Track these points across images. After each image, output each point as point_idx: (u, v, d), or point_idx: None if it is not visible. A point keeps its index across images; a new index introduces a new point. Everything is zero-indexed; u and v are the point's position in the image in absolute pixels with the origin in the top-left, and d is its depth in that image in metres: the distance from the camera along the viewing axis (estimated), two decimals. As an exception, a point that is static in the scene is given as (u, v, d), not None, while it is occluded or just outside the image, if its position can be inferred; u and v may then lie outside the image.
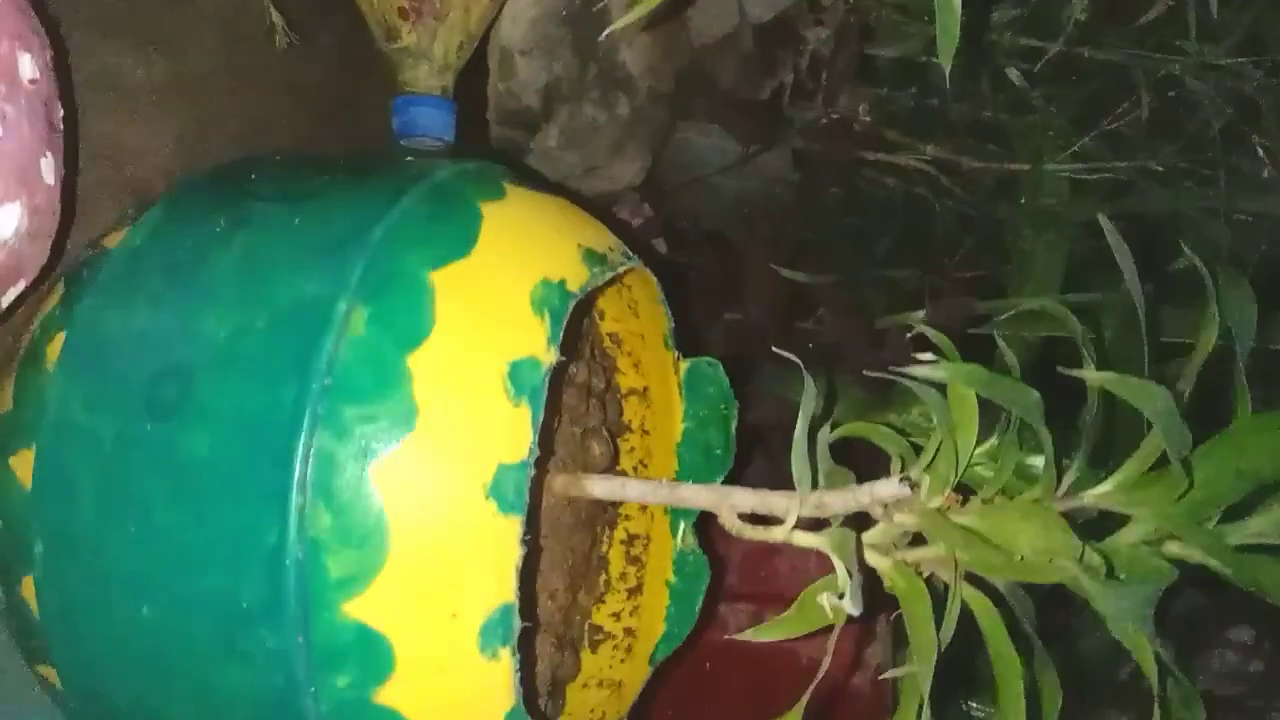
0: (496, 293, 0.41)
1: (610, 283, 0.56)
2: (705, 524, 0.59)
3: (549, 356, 0.40)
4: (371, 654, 0.38)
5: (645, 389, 0.61)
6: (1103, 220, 0.46)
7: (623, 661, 0.59)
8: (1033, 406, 0.39)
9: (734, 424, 0.58)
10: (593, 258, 0.45)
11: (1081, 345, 0.46)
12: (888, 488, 0.45)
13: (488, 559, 0.39)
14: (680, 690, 0.78)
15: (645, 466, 0.62)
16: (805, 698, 0.44)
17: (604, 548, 0.62)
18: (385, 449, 0.38)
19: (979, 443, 0.45)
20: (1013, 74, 0.72)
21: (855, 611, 0.38)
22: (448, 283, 0.40)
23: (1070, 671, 0.42)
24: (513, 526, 0.39)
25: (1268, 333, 0.45)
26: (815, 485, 0.46)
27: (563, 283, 0.42)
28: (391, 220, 0.41)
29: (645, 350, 0.60)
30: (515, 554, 0.39)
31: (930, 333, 0.47)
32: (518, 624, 0.39)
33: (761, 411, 0.69)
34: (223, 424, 0.38)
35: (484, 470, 0.38)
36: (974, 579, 0.45)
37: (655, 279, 0.53)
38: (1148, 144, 0.70)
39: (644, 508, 0.62)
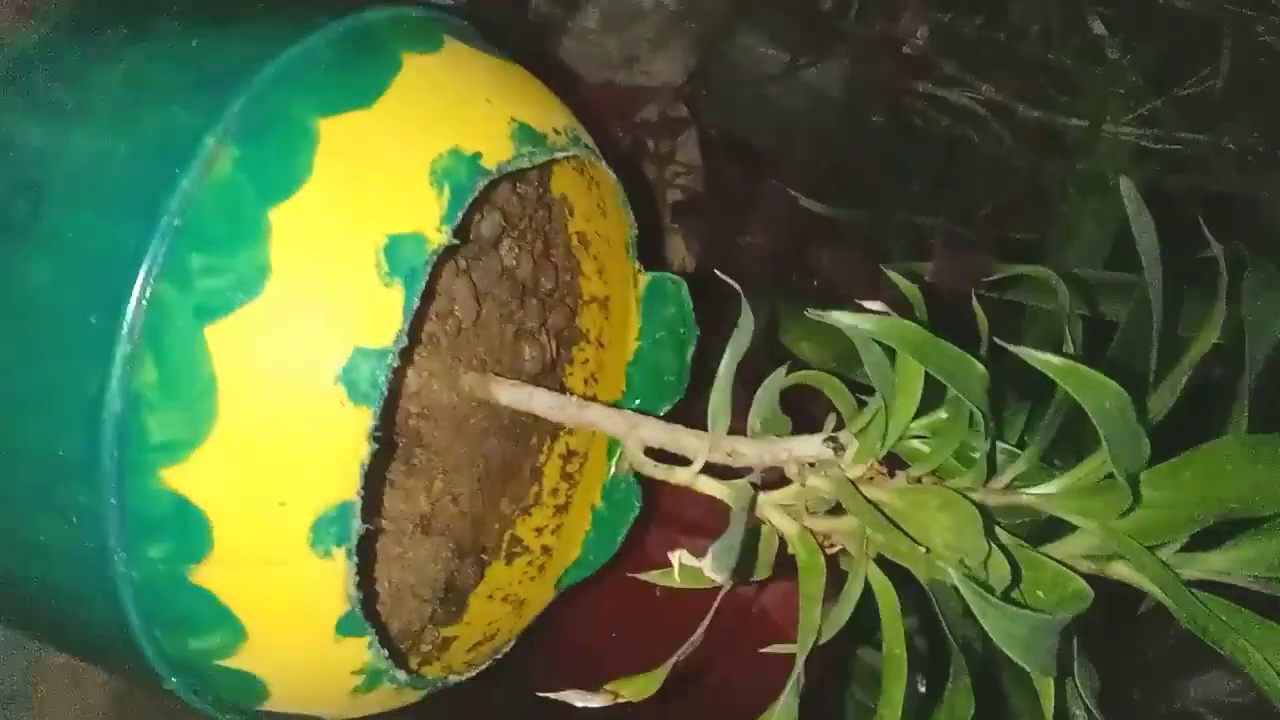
0: (391, 153, 0.36)
1: (586, 180, 0.51)
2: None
3: (438, 236, 0.36)
4: (188, 529, 0.34)
5: (607, 298, 0.56)
6: (1124, 184, 0.39)
7: (532, 580, 0.56)
8: (974, 381, 0.34)
9: (690, 350, 0.53)
10: (527, 135, 0.40)
11: (1066, 323, 0.40)
12: (808, 446, 0.40)
13: (329, 450, 0.35)
14: (627, 614, 0.74)
15: (596, 381, 0.57)
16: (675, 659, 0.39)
17: (541, 459, 0.58)
18: (227, 308, 0.33)
19: (929, 414, 0.40)
20: (1094, 20, 0.63)
21: (717, 578, 0.34)
22: (336, 133, 0.35)
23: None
24: (362, 419, 0.35)
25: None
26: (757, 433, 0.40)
27: (477, 156, 0.37)
28: (289, 56, 0.36)
29: (610, 256, 0.54)
30: (362, 450, 0.35)
31: (901, 281, 0.42)
32: (357, 525, 0.36)
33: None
34: (65, 254, 0.35)
35: (337, 352, 0.34)
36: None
37: (614, 178, 0.47)
38: (1225, 113, 0.61)
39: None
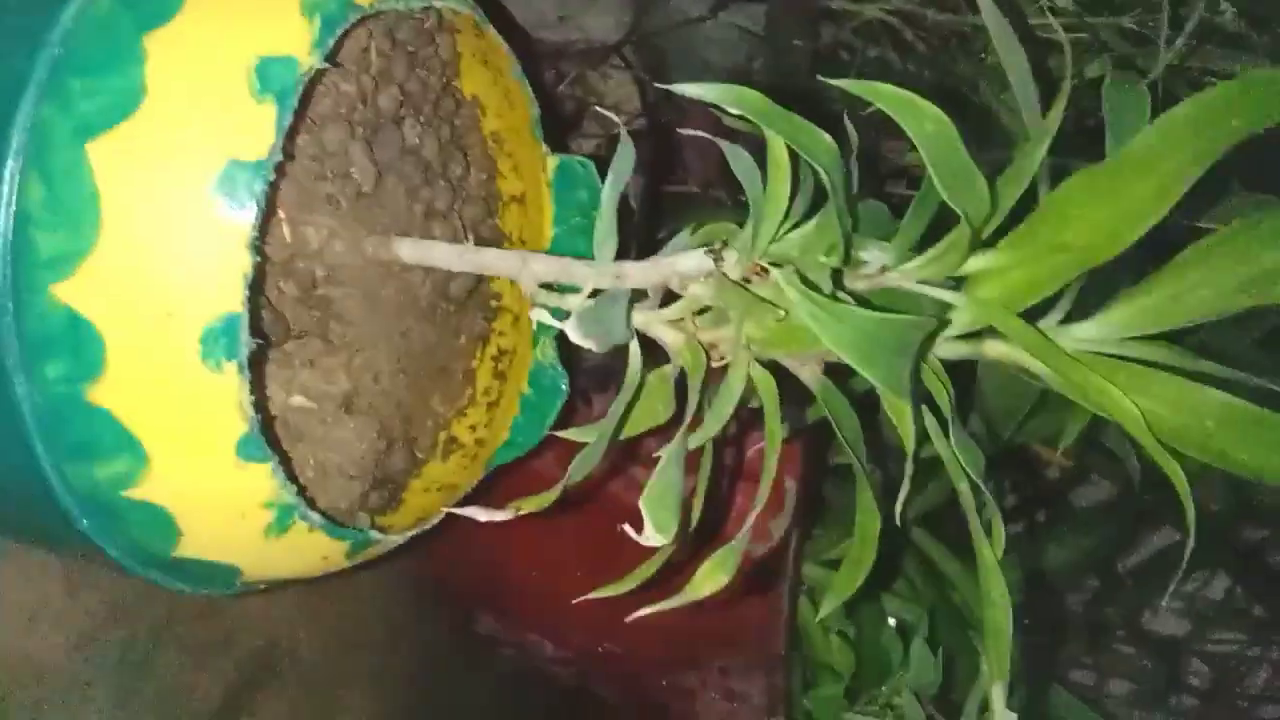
0: (263, -12, 0.38)
1: (492, 74, 0.53)
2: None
3: (310, 59, 0.37)
4: (81, 344, 0.36)
5: (524, 194, 0.58)
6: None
7: (466, 469, 0.57)
8: (824, 152, 0.35)
9: (605, 232, 0.54)
10: (403, -14, 0.42)
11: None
12: (690, 260, 0.41)
13: (211, 259, 0.36)
14: (593, 551, 0.75)
15: (521, 278, 0.59)
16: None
17: (475, 363, 0.59)
18: (106, 126, 0.35)
19: (804, 225, 0.41)
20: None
21: (581, 342, 0.35)
22: (210, -29, 0.37)
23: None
24: (241, 228, 0.36)
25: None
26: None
27: (349, -6, 0.39)
28: (166, -94, 0.38)
29: (521, 147, 0.56)
30: (243, 260, 0.36)
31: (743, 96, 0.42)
32: (246, 338, 0.37)
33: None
34: (-45, 92, 0.37)
35: (211, 163, 0.36)
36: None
37: (505, 45, 0.49)
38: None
39: (515, 320, 0.60)
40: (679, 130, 0.38)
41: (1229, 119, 0.31)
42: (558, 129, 0.78)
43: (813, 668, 0.74)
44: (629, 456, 0.69)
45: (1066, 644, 0.98)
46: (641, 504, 0.34)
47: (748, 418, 0.44)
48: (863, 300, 0.37)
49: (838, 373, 0.43)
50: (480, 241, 0.57)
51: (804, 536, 0.71)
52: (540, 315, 0.39)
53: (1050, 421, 0.65)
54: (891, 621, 0.71)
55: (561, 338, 0.58)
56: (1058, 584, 0.91)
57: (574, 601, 0.43)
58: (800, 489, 0.72)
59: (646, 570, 0.41)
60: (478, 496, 0.55)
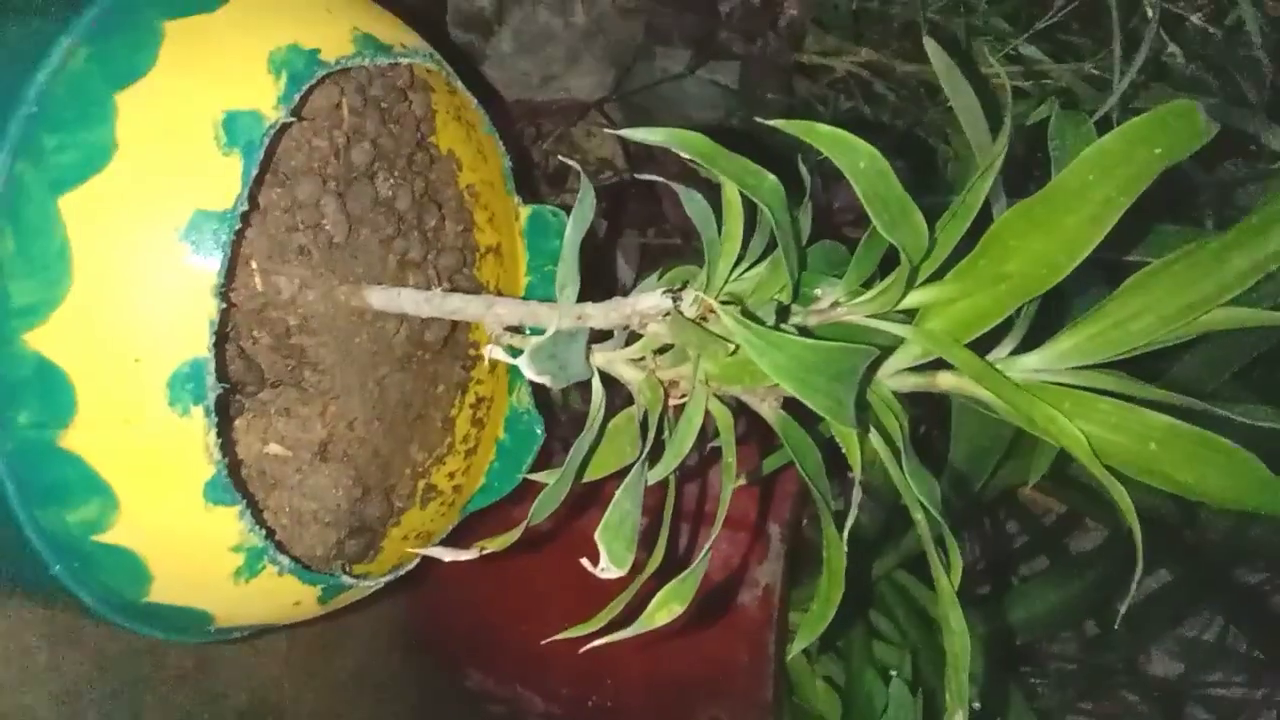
0: (231, 47, 0.40)
1: (465, 128, 0.55)
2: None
3: (276, 113, 0.39)
4: (51, 390, 0.37)
5: (499, 245, 0.59)
6: (929, 45, 0.42)
7: (443, 515, 0.57)
8: (768, 192, 0.36)
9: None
10: (369, 42, 0.44)
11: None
12: (650, 300, 0.42)
13: (177, 306, 0.37)
14: (579, 601, 0.75)
15: (497, 327, 0.60)
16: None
17: (454, 411, 0.60)
18: (78, 180, 0.37)
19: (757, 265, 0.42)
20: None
21: (533, 377, 0.36)
22: (181, 31, 0.39)
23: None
24: (207, 277, 0.37)
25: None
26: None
27: (316, 51, 0.41)
28: (140, -26, 0.40)
29: (495, 199, 0.58)
30: (209, 306, 0.37)
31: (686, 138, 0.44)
32: (212, 383, 0.38)
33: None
34: (-65, 150, 0.38)
35: (178, 213, 0.37)
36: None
37: (474, 100, 0.51)
38: (1085, 44, 0.65)
39: (493, 369, 0.61)
40: (637, 177, 0.39)
41: (1151, 148, 0.32)
42: (534, 182, 0.80)
43: (801, 715, 0.74)
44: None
45: (1064, 690, 0.97)
46: (597, 536, 0.34)
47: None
48: (811, 335, 0.38)
49: (805, 414, 0.43)
50: (457, 291, 0.58)
51: (788, 583, 0.71)
52: (496, 353, 0.40)
53: (1025, 465, 0.65)
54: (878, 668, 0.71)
55: (539, 385, 0.59)
56: (1051, 629, 0.90)
57: (543, 642, 0.43)
58: (785, 535, 0.72)
59: (614, 608, 0.41)
60: (452, 541, 0.56)
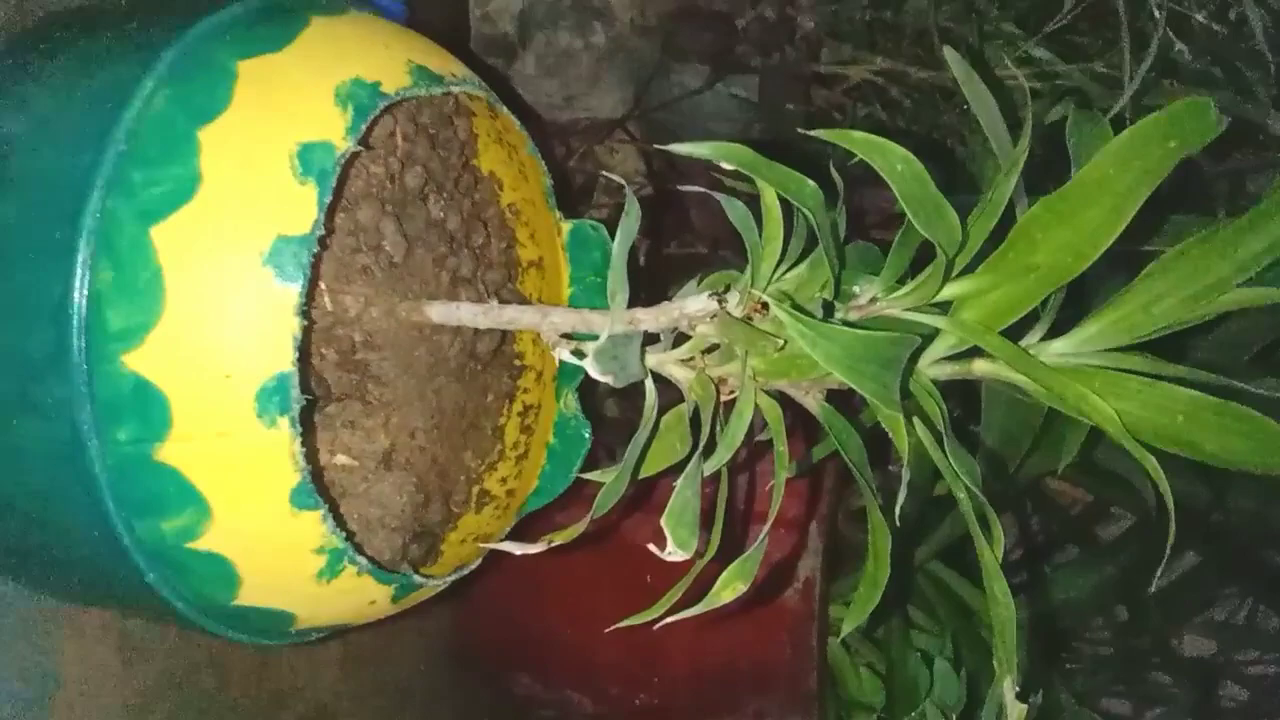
0: (300, 82, 0.42)
1: (506, 150, 0.58)
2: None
3: (345, 143, 0.42)
4: (149, 407, 0.40)
5: (541, 259, 0.62)
6: (948, 53, 0.45)
7: (498, 518, 0.60)
8: (809, 197, 0.39)
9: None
10: (424, 74, 0.47)
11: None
12: (697, 303, 0.45)
13: (264, 325, 0.40)
14: (626, 602, 0.78)
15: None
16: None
17: (503, 420, 0.62)
18: (167, 211, 0.40)
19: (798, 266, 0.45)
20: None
21: (593, 372, 0.38)
22: (253, 71, 0.42)
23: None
24: (289, 297, 0.40)
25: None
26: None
27: (377, 84, 0.44)
28: (213, 20, 0.43)
29: (537, 216, 0.61)
30: (292, 324, 0.40)
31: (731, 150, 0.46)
32: (297, 395, 0.41)
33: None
34: (29, 189, 0.41)
35: (261, 239, 0.40)
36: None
37: (517, 121, 0.54)
38: (1094, 44, 0.67)
39: (538, 376, 0.63)
40: (679, 188, 0.41)
41: (1166, 142, 0.34)
42: (570, 199, 0.83)
43: (846, 705, 0.76)
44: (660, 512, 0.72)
45: (1098, 674, 0.99)
46: (663, 522, 0.37)
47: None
48: (855, 328, 0.41)
49: (848, 408, 0.46)
50: (503, 304, 0.61)
51: (830, 577, 0.73)
52: (563, 355, 0.42)
53: (1054, 454, 0.68)
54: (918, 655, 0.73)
55: (582, 392, 0.62)
56: (1084, 614, 0.92)
57: (606, 631, 0.46)
58: (823, 530, 0.74)
59: (675, 592, 0.44)
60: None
